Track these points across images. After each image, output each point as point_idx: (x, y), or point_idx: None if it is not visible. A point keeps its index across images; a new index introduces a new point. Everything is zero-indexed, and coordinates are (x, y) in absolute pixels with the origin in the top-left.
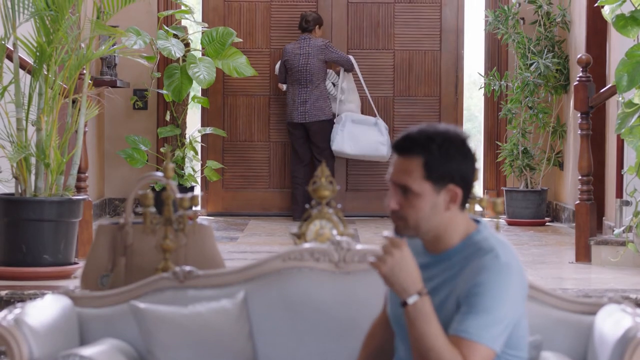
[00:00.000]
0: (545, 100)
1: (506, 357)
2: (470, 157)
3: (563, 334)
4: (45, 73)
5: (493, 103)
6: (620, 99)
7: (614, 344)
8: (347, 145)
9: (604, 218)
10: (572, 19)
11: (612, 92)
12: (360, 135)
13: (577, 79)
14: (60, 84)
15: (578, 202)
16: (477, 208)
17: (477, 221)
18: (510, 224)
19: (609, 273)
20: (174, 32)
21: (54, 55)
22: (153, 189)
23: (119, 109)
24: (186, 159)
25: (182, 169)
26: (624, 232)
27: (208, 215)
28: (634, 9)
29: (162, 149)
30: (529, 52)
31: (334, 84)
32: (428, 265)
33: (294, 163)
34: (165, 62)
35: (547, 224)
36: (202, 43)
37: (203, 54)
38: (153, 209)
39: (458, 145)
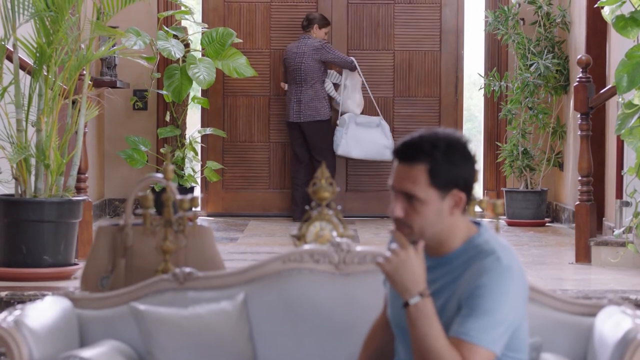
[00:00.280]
0: (545, 101)
1: (506, 359)
2: (472, 161)
3: (563, 335)
4: (45, 74)
5: (493, 103)
6: (620, 99)
7: (613, 345)
8: (354, 150)
9: (604, 219)
10: (572, 20)
11: (612, 92)
12: (365, 138)
13: (577, 79)
14: (60, 84)
15: (578, 202)
16: (477, 209)
17: (478, 224)
18: (510, 224)
19: (608, 274)
20: (174, 33)
21: (53, 56)
22: (153, 190)
23: (119, 109)
24: (186, 160)
25: (182, 170)
26: (624, 233)
27: (208, 215)
28: (633, 9)
29: (162, 150)
30: (529, 53)
31: (336, 84)
32: (429, 268)
33: (294, 164)
34: (165, 63)
35: (547, 224)
36: (202, 44)
37: (203, 55)
38: (153, 211)
39: (460, 150)
